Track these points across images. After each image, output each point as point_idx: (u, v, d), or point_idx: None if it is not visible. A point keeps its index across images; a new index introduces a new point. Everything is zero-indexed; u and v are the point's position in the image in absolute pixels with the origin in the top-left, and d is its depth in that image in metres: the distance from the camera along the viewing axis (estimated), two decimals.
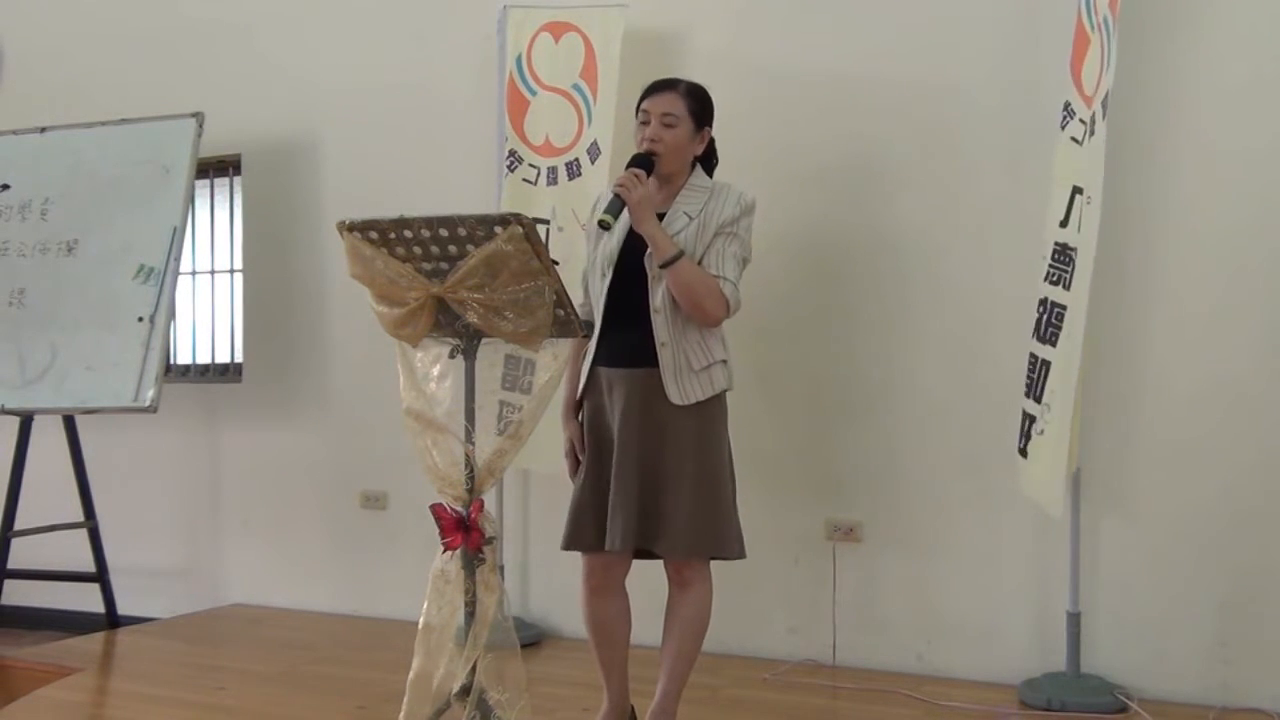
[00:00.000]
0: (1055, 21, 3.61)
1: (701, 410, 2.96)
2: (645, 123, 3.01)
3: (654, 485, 2.94)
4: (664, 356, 2.93)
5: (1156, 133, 3.56)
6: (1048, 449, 3.31)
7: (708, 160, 3.13)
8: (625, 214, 2.92)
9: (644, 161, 2.97)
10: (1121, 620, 3.63)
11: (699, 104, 3.04)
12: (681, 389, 2.94)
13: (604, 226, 2.92)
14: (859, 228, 4.01)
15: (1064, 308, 3.30)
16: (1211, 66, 3.53)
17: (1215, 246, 3.54)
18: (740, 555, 3.03)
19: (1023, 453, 3.44)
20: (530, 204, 4.10)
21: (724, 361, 3.01)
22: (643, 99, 3.06)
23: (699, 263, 2.94)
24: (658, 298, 2.93)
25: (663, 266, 2.89)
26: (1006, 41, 3.80)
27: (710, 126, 3.09)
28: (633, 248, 2.96)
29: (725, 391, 3.04)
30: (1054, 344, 3.32)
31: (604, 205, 2.93)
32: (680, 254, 2.89)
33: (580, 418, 3.11)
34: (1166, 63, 3.54)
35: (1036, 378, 3.38)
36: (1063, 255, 3.31)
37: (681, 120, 3.00)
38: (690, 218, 2.97)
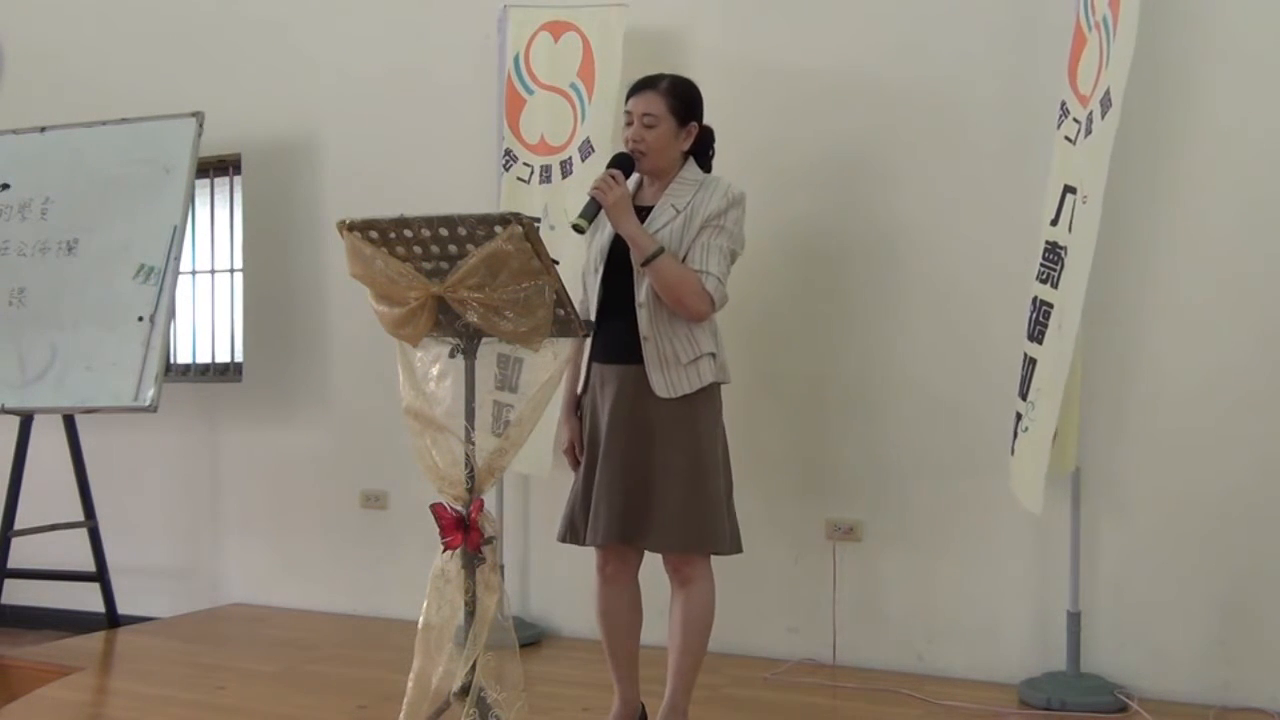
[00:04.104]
0: (1054, 21, 3.61)
1: (690, 404, 2.96)
2: (629, 123, 3.03)
3: (642, 479, 2.95)
4: (648, 350, 2.94)
5: (1151, 131, 3.55)
6: (1030, 446, 3.32)
7: (703, 153, 3.12)
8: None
9: (623, 162, 2.99)
10: (1121, 620, 3.63)
11: (680, 101, 3.03)
12: (668, 382, 2.94)
13: (578, 230, 2.94)
14: (859, 226, 4.01)
15: (1051, 305, 3.30)
16: (1210, 63, 3.53)
17: (1215, 245, 3.54)
18: (734, 550, 3.04)
19: (1013, 451, 3.44)
20: (523, 203, 4.10)
21: (712, 355, 3.00)
22: (627, 98, 3.06)
23: (684, 257, 2.94)
24: (642, 292, 2.95)
25: (643, 265, 2.91)
26: (1005, 41, 3.80)
27: (697, 121, 3.07)
28: (622, 244, 2.98)
29: (718, 385, 3.04)
30: (1040, 341, 3.32)
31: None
32: (659, 251, 2.90)
33: (580, 415, 3.13)
34: (1161, 60, 3.53)
35: (1025, 376, 3.38)
36: (1052, 254, 3.32)
37: (662, 119, 2.99)
38: (677, 211, 2.98)
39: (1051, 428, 3.22)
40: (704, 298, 2.92)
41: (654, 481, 2.94)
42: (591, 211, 2.91)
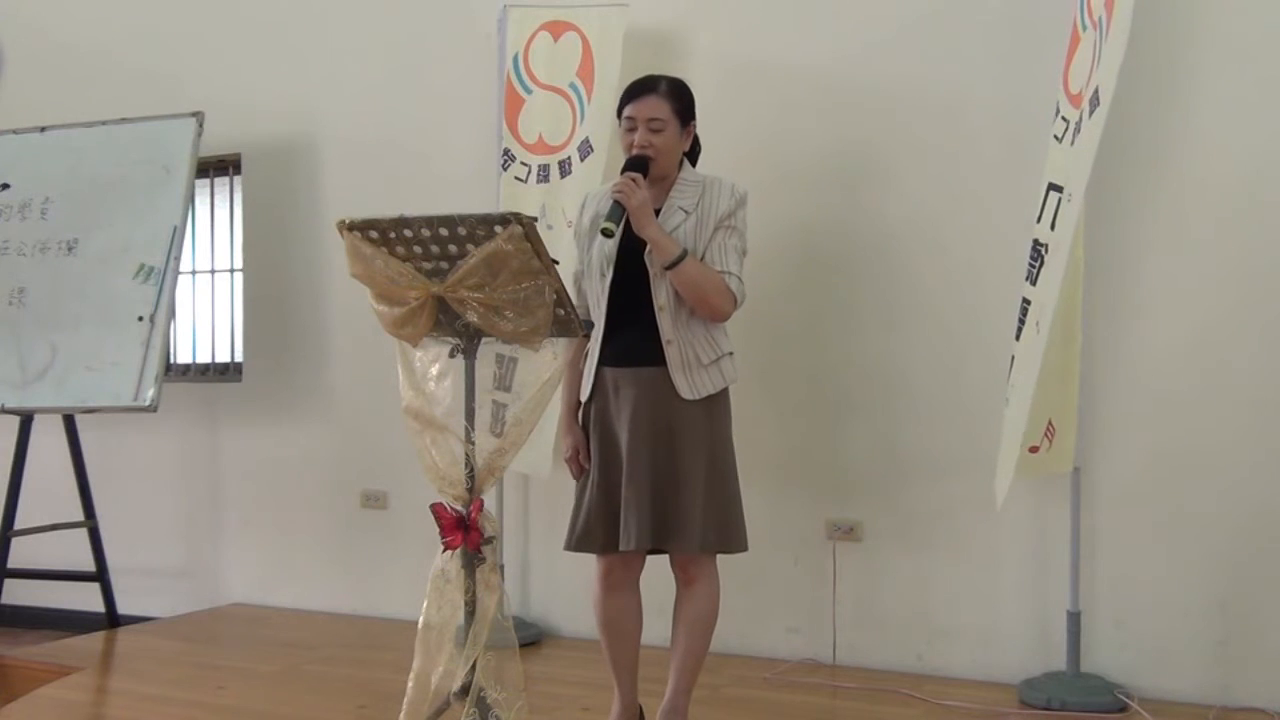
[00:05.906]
0: (1053, 22, 3.60)
1: (710, 405, 2.98)
2: (632, 129, 3.01)
3: (667, 483, 2.94)
4: (670, 353, 2.94)
5: (1156, 130, 3.56)
6: (1004, 443, 3.33)
7: (692, 152, 3.14)
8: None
9: (639, 164, 2.96)
10: (1121, 620, 3.63)
11: (681, 102, 3.04)
12: (692, 383, 2.95)
13: (607, 235, 2.89)
14: (858, 226, 4.02)
15: (1029, 302, 3.31)
16: (1212, 64, 3.53)
17: (1216, 246, 3.54)
18: (744, 548, 3.04)
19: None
20: (520, 202, 4.10)
21: (730, 354, 3.04)
22: (624, 103, 3.04)
23: (701, 258, 2.95)
24: (661, 295, 2.94)
25: (667, 268, 2.90)
26: (1005, 42, 3.80)
27: (694, 120, 3.09)
28: (632, 247, 2.96)
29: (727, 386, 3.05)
30: (1018, 338, 3.33)
31: (604, 210, 2.92)
32: (684, 254, 2.90)
33: (584, 422, 3.10)
34: (1166, 60, 3.54)
35: (1009, 374, 3.39)
36: (1035, 251, 3.32)
37: (668, 123, 2.99)
38: (687, 213, 2.98)
39: (1022, 426, 3.21)
40: (729, 297, 2.95)
41: (680, 484, 2.94)
42: (617, 215, 2.89)
